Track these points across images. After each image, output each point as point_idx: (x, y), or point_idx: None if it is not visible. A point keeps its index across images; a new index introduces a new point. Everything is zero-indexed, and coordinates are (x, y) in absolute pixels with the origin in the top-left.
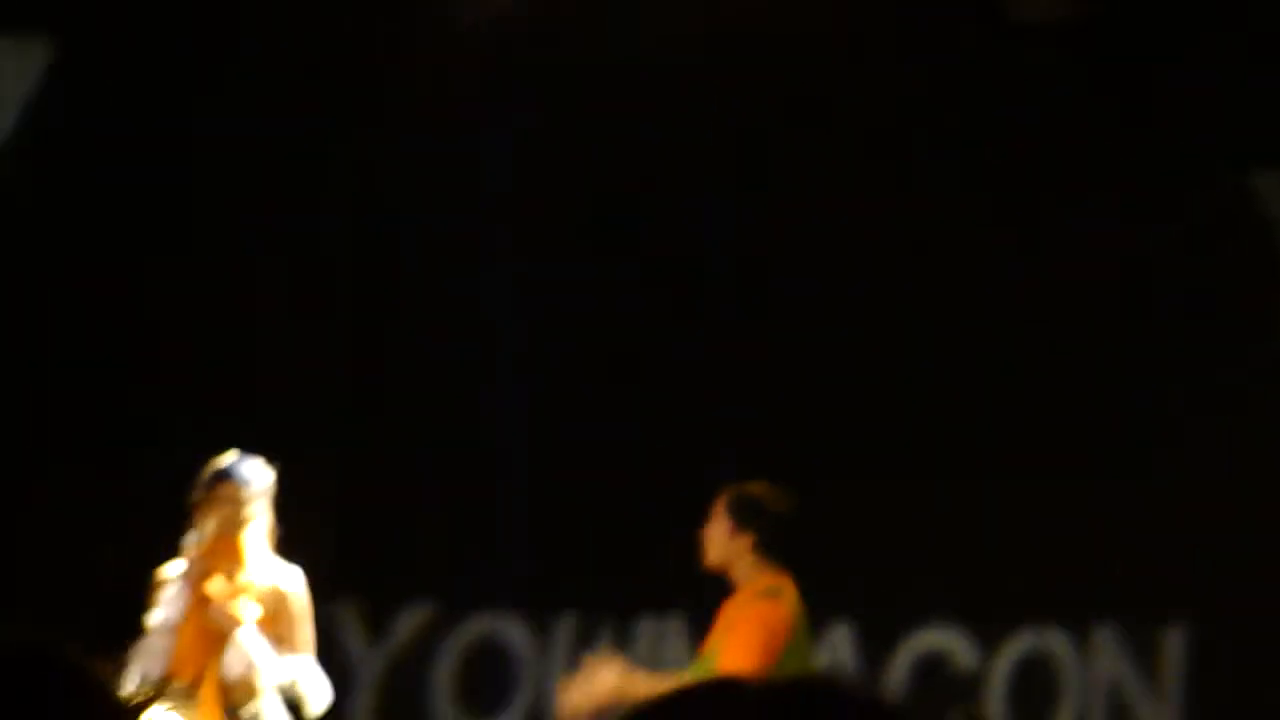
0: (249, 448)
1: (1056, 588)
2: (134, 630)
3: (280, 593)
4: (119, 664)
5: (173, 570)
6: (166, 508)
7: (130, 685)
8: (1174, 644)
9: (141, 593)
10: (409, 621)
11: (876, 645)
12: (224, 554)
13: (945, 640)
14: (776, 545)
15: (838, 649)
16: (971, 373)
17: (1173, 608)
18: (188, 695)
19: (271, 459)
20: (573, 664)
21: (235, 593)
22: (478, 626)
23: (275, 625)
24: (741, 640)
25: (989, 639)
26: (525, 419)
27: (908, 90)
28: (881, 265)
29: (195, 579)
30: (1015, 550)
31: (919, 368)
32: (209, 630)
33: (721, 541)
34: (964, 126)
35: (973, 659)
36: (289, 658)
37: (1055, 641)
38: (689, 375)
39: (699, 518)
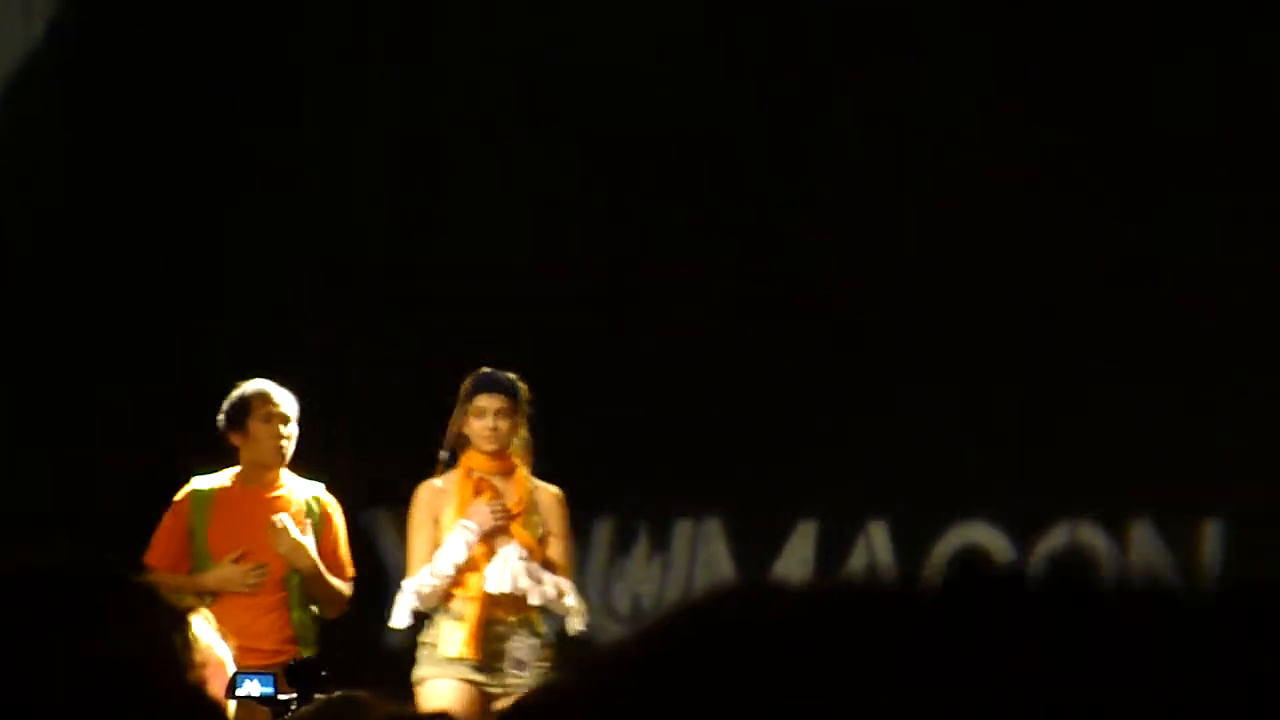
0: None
1: (1093, 483)
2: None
3: (545, 511)
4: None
5: (432, 491)
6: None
7: (402, 616)
8: (1211, 538)
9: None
10: None
11: (913, 542)
12: (492, 469)
13: (982, 536)
14: None
15: (875, 547)
16: (1008, 267)
17: (1210, 502)
18: (456, 613)
19: (299, 374)
20: (610, 566)
21: (508, 510)
22: None
23: (542, 544)
24: None
25: (1026, 535)
26: (553, 327)
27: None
28: (917, 176)
29: (469, 497)
30: (1051, 446)
31: (947, 262)
32: (485, 547)
33: None
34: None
35: (1010, 554)
36: (553, 576)
37: (1092, 536)
38: (722, 287)
39: (736, 420)
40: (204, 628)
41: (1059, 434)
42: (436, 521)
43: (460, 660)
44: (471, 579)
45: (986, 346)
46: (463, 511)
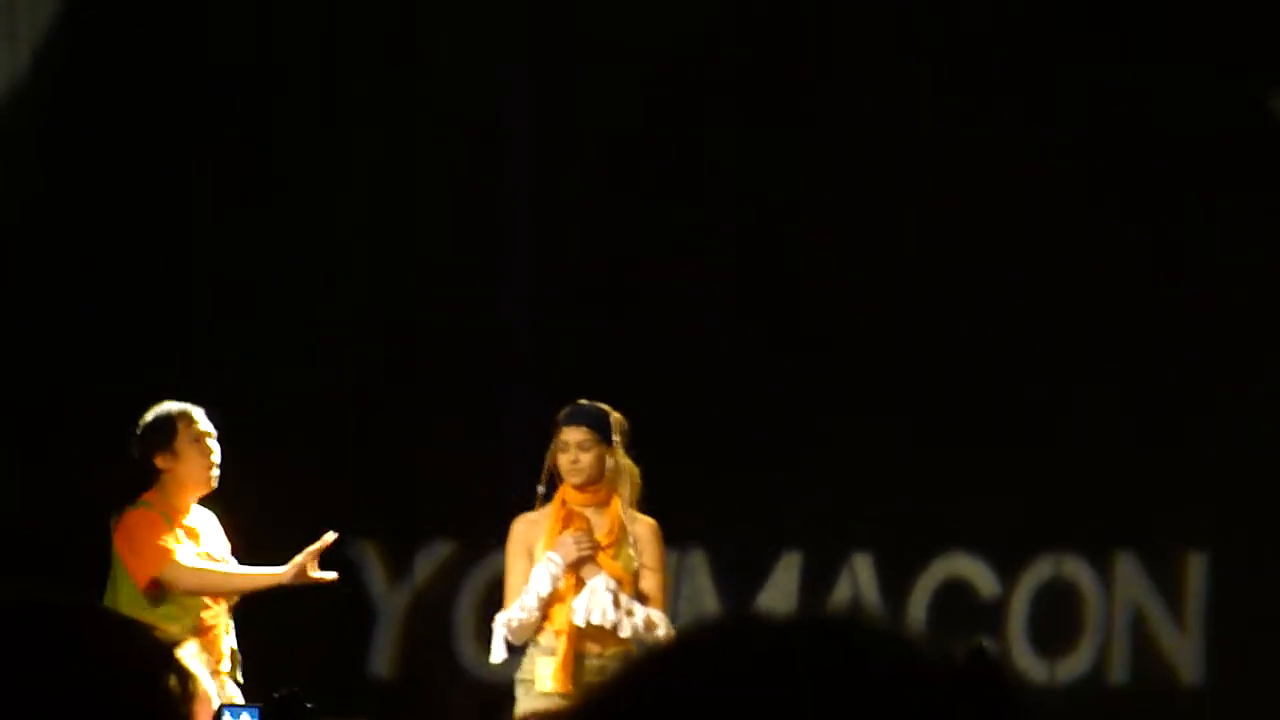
0: (265, 392)
1: (1078, 514)
2: None
3: (640, 543)
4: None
5: (527, 523)
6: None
7: (498, 651)
8: (1196, 571)
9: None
10: (430, 560)
11: (898, 574)
12: (584, 501)
13: (967, 568)
14: None
15: (860, 578)
16: (994, 301)
17: (1195, 535)
18: (546, 647)
19: (289, 403)
20: None
21: (601, 542)
22: (498, 563)
23: (636, 576)
24: None
25: (1010, 567)
26: (539, 354)
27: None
28: (910, 207)
29: (558, 530)
30: (1036, 477)
31: (935, 292)
32: (573, 579)
33: None
34: (977, 54)
35: (994, 587)
36: (645, 608)
37: (1077, 569)
38: (700, 311)
39: (719, 453)
40: (193, 660)
41: (1043, 465)
42: (531, 554)
43: (554, 694)
44: (559, 612)
45: (971, 379)
46: (552, 544)
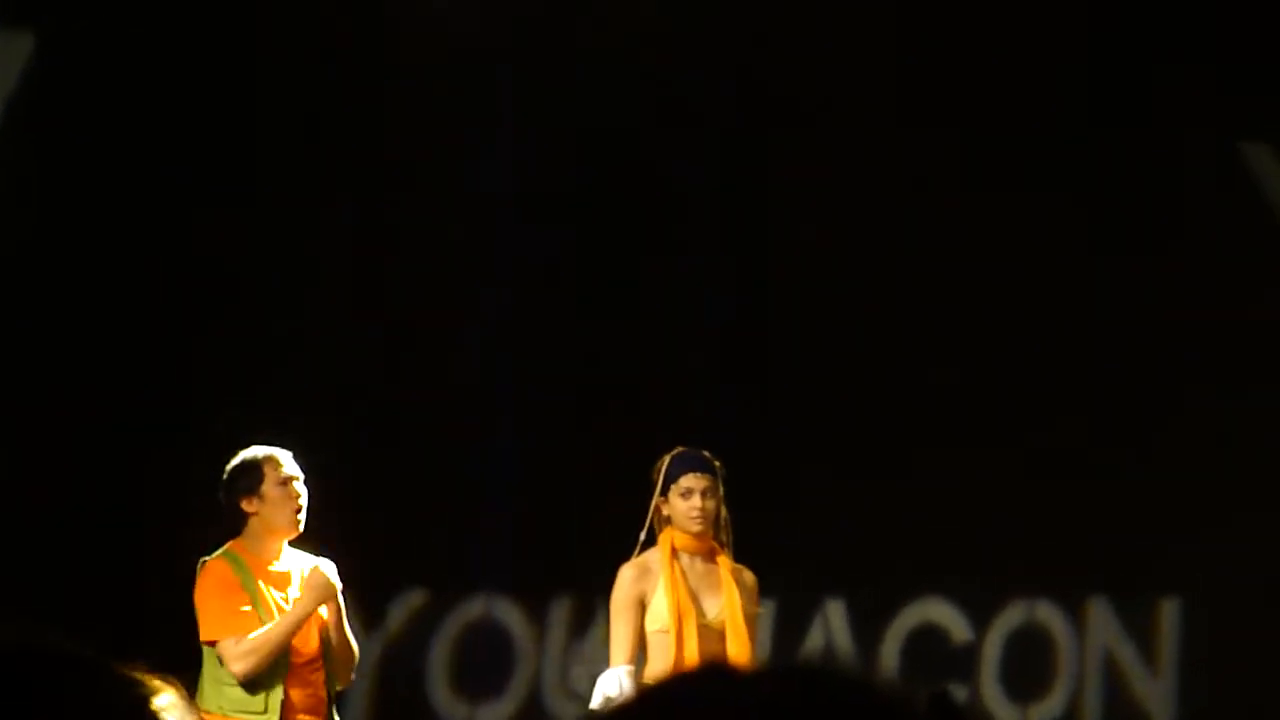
0: (236, 439)
1: (1050, 560)
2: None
3: (749, 591)
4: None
5: (639, 570)
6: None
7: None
8: (1169, 617)
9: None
10: (403, 608)
11: (870, 620)
12: (696, 549)
13: (939, 614)
14: None
15: (832, 624)
16: (960, 344)
17: (1168, 580)
18: None
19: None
20: (569, 646)
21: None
22: (472, 610)
23: (748, 624)
24: None
25: (983, 612)
26: (516, 400)
27: (892, 68)
28: (865, 241)
29: (676, 577)
30: (1009, 523)
31: (906, 340)
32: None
33: None
34: (943, 101)
35: (967, 633)
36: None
37: (1049, 615)
38: (675, 358)
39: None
40: (173, 710)
41: (1015, 511)
42: (641, 604)
43: None
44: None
45: (941, 424)
46: (674, 591)
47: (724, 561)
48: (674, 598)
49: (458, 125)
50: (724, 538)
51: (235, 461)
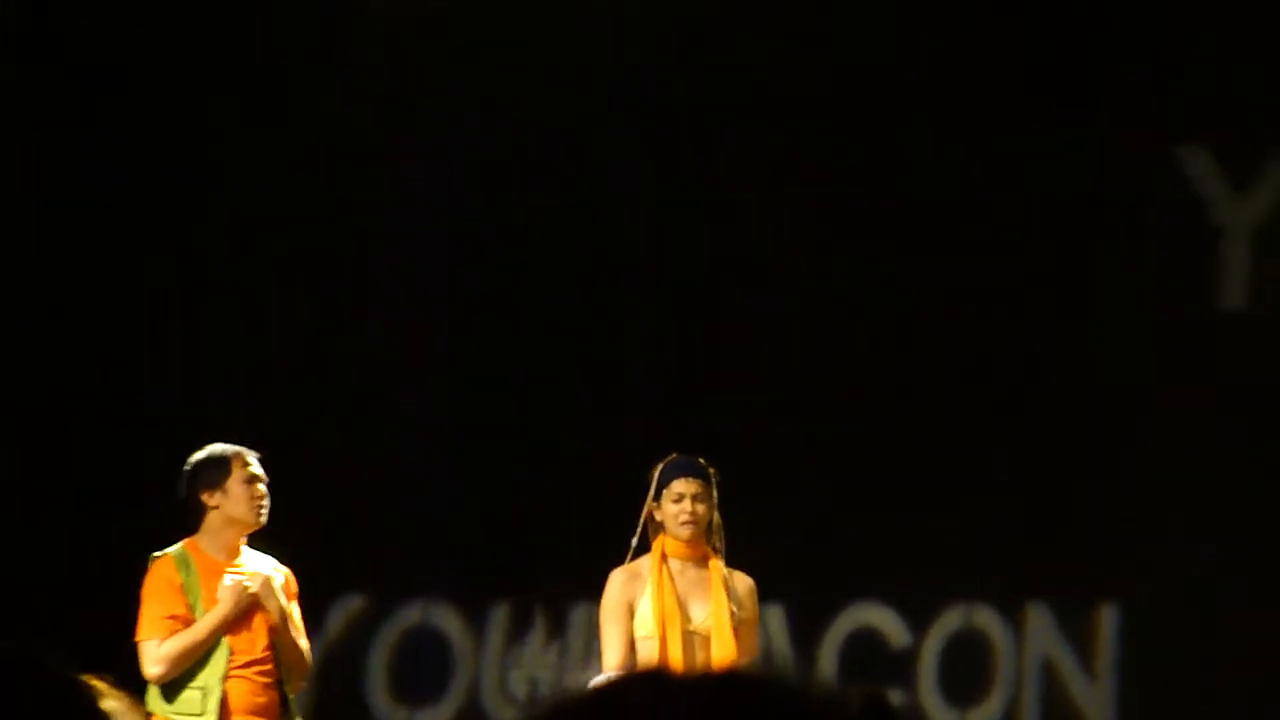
0: (177, 443)
1: (989, 565)
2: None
3: (741, 597)
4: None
5: (628, 575)
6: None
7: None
8: (1107, 622)
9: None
10: (342, 613)
11: (808, 625)
12: (687, 555)
13: (877, 619)
14: None
15: (770, 628)
16: (897, 353)
17: (1106, 586)
18: None
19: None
20: (507, 651)
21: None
22: (410, 616)
23: (736, 633)
24: None
25: (921, 617)
26: (452, 406)
27: (826, 74)
28: (806, 252)
29: (663, 582)
30: (947, 527)
31: (843, 350)
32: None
33: None
34: (885, 104)
35: (905, 637)
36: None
37: (988, 619)
38: (617, 361)
39: (631, 503)
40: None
41: (954, 516)
42: (633, 610)
43: None
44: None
45: (883, 431)
46: (660, 597)
47: (716, 567)
48: (659, 604)
49: (399, 132)
50: (717, 543)
51: (200, 456)
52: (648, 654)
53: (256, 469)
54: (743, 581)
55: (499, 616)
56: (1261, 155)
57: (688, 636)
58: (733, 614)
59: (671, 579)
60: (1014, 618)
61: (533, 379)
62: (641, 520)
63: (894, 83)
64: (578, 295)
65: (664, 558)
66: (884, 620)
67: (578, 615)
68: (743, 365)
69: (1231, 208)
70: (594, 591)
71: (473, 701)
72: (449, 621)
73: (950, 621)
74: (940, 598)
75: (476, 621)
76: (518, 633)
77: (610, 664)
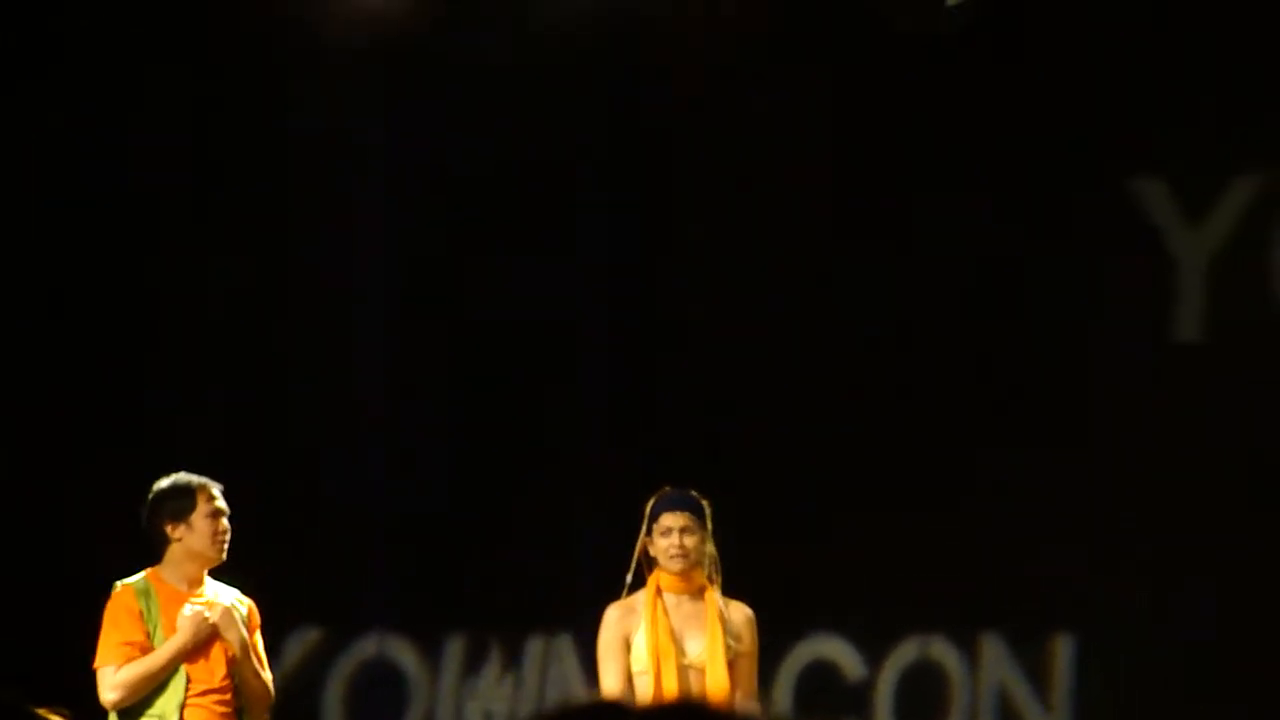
0: (127, 478)
1: (944, 596)
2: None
3: (737, 629)
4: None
5: (623, 610)
6: None
7: None
8: (1063, 652)
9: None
10: (298, 645)
11: (763, 657)
12: (681, 589)
13: (832, 650)
14: None
15: None
16: (850, 379)
17: (1061, 616)
18: None
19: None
20: (462, 683)
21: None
22: (366, 648)
23: (732, 666)
24: None
25: (876, 649)
26: (408, 438)
27: (787, 97)
28: (756, 272)
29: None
30: (902, 558)
31: (794, 372)
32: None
33: None
34: (844, 136)
35: (860, 669)
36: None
37: (943, 651)
38: (568, 393)
39: (584, 535)
40: None
41: (908, 547)
42: (628, 644)
43: None
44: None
45: (832, 462)
46: (654, 631)
47: (711, 599)
48: (653, 638)
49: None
50: (714, 575)
51: (165, 484)
52: (644, 689)
53: (221, 503)
54: (740, 612)
55: (454, 649)
56: (1217, 188)
57: (683, 670)
58: (729, 647)
59: (666, 613)
60: (969, 649)
61: (487, 412)
62: (635, 555)
63: (854, 104)
64: (527, 333)
65: (659, 592)
66: (839, 652)
67: (533, 647)
68: (685, 404)
69: (1186, 240)
70: (549, 623)
71: None
72: (404, 654)
73: (906, 653)
74: (895, 629)
75: (432, 654)
76: (473, 665)
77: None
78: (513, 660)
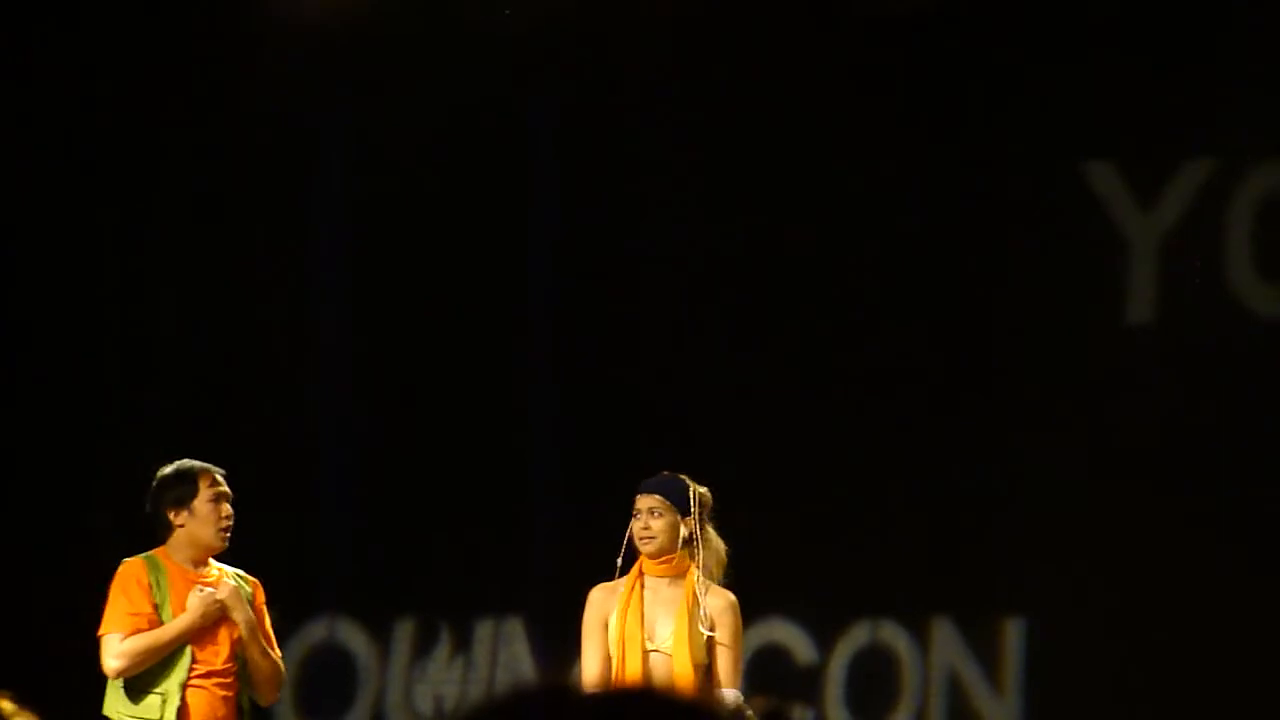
0: (81, 464)
1: (894, 580)
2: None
3: (714, 615)
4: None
5: (604, 592)
6: None
7: None
8: (1013, 636)
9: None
10: None
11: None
12: (663, 573)
13: (783, 634)
14: None
15: None
16: (808, 363)
17: (1011, 600)
18: None
19: (106, 471)
20: (412, 666)
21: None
22: (316, 632)
23: (709, 650)
24: None
25: (827, 633)
26: (358, 423)
27: (752, 81)
28: (718, 259)
29: (632, 598)
30: (852, 542)
31: (754, 357)
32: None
33: None
34: (803, 118)
35: (811, 653)
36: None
37: (894, 634)
38: (517, 374)
39: (537, 518)
40: None
41: (860, 530)
42: (606, 624)
43: None
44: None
45: (787, 444)
46: (624, 615)
47: (688, 584)
48: (620, 622)
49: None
50: (709, 564)
51: (168, 471)
52: (616, 672)
53: (224, 488)
54: (718, 599)
55: (404, 632)
56: (1168, 170)
57: (651, 656)
58: (703, 634)
59: (642, 597)
60: (920, 632)
61: (440, 396)
62: (625, 538)
63: (813, 86)
64: (478, 319)
65: (640, 575)
66: (790, 637)
67: (482, 630)
68: (635, 387)
69: (1138, 222)
70: (499, 607)
71: (378, 716)
72: (354, 637)
73: (857, 637)
74: (846, 613)
75: (382, 637)
76: (423, 648)
77: (588, 680)
78: (462, 643)
